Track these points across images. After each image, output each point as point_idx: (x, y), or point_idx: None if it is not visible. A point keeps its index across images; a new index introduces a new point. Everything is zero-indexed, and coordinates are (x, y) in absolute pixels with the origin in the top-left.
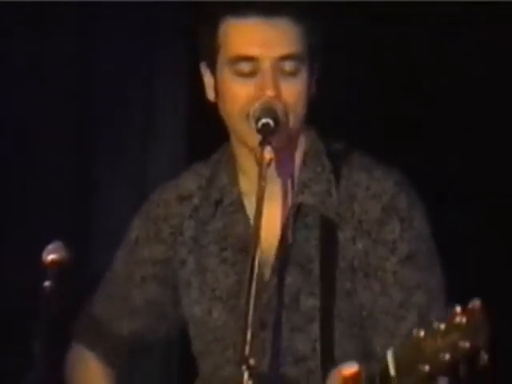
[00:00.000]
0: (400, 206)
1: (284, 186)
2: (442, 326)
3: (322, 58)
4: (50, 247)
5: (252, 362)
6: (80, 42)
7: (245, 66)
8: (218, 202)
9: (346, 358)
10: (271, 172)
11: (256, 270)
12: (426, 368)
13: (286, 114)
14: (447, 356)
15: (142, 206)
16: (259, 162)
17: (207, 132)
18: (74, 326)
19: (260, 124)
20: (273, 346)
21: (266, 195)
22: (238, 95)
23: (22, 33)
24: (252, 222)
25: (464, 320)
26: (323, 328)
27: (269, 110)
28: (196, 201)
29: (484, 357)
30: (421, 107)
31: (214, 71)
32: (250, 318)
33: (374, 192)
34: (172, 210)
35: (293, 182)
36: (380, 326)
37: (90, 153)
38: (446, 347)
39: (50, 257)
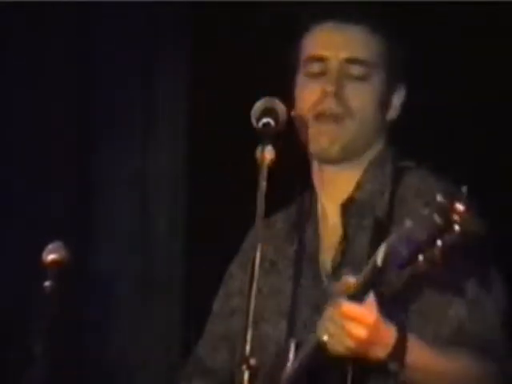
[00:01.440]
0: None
1: (343, 188)
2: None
3: (407, 78)
4: (50, 247)
5: (252, 361)
6: (80, 42)
7: (315, 67)
8: (300, 226)
9: None
10: (331, 177)
11: (256, 270)
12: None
13: (344, 119)
14: (457, 227)
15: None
16: (260, 162)
17: (207, 132)
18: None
19: (261, 124)
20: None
21: (325, 198)
22: (307, 96)
23: (22, 33)
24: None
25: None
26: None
27: (269, 110)
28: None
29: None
30: None
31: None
32: (250, 318)
33: (422, 192)
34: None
35: (351, 186)
36: (428, 314)
37: (90, 153)
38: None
39: (50, 257)
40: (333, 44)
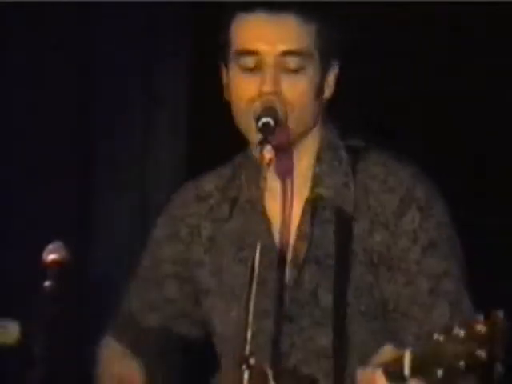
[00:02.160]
0: (417, 195)
1: (298, 180)
2: (462, 333)
3: (341, 57)
4: (50, 247)
5: (252, 361)
6: (80, 42)
7: (249, 61)
8: (235, 201)
9: (367, 352)
10: (266, 153)
11: (256, 271)
12: (440, 373)
13: (286, 112)
14: (462, 363)
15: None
16: (259, 161)
17: (207, 132)
18: (110, 320)
19: (260, 123)
20: (297, 341)
21: (281, 192)
22: (242, 91)
23: (22, 33)
24: (270, 219)
25: (484, 330)
26: (344, 322)
27: (269, 110)
28: (212, 201)
29: (498, 368)
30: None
31: (227, 70)
32: (250, 318)
33: (391, 186)
34: (190, 210)
35: (307, 177)
36: (408, 316)
37: (91, 153)
38: (463, 354)
39: (50, 257)
40: (267, 37)
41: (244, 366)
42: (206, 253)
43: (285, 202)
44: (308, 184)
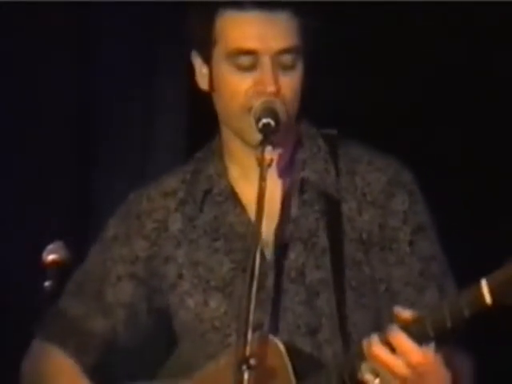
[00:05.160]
0: (406, 179)
1: (280, 164)
2: None
3: (311, 50)
4: (50, 247)
5: (252, 361)
6: (80, 42)
7: (244, 60)
8: (207, 192)
9: (357, 328)
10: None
11: (257, 272)
12: None
13: (285, 111)
14: None
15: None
16: (260, 162)
17: (207, 131)
18: (40, 324)
19: (261, 124)
20: (283, 320)
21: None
22: (237, 89)
23: (22, 33)
24: (246, 208)
25: None
26: (335, 298)
27: (269, 110)
28: (181, 194)
29: None
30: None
31: (208, 63)
32: (250, 318)
33: (378, 166)
34: (156, 205)
35: (290, 161)
36: (400, 296)
37: (90, 153)
38: None
39: (50, 257)
40: (263, 36)
41: (244, 367)
42: (177, 247)
43: (262, 188)
44: (291, 169)
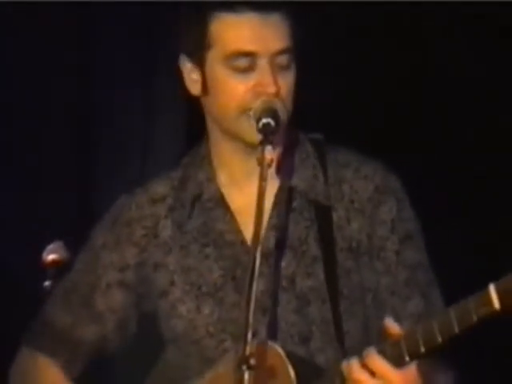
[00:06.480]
0: (393, 185)
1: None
2: None
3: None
4: (50, 247)
5: (252, 361)
6: (80, 42)
7: (242, 62)
8: (196, 198)
9: (349, 336)
10: (254, 161)
11: (256, 273)
12: None
13: (285, 111)
14: None
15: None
16: (260, 162)
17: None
18: (27, 333)
19: (261, 124)
20: (275, 329)
21: (250, 183)
22: (235, 92)
23: (22, 33)
24: (234, 215)
25: None
26: (329, 306)
27: (270, 110)
28: (170, 201)
29: None
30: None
31: (201, 67)
32: (250, 318)
33: (365, 173)
34: (145, 212)
35: (277, 167)
36: (387, 306)
37: (91, 153)
38: None
39: (50, 257)
40: (261, 38)
41: (244, 367)
42: (168, 254)
43: (260, 192)
44: (278, 176)
